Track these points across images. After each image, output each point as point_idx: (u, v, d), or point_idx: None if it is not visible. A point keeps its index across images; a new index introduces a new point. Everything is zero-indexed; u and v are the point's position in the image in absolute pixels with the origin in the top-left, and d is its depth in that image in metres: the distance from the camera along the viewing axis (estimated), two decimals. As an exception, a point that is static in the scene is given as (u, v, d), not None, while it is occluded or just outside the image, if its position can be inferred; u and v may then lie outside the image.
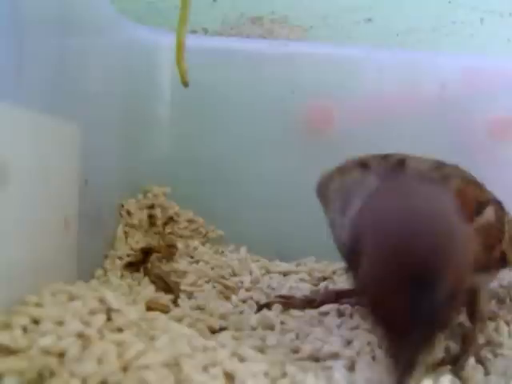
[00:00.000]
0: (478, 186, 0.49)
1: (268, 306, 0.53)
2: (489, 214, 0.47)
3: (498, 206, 0.50)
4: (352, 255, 0.36)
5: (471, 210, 0.45)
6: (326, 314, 0.52)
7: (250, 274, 0.62)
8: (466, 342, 0.48)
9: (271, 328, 0.50)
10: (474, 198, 0.46)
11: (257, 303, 0.54)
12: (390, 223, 0.35)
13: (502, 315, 0.54)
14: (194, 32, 0.76)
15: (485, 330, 0.51)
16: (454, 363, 0.46)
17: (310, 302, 0.54)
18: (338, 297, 0.54)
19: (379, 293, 0.34)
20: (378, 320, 0.36)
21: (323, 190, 0.48)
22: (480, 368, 0.46)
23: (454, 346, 0.48)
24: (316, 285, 0.61)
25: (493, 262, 0.47)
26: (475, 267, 0.43)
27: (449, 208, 0.38)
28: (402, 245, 0.34)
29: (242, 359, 0.40)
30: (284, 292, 0.57)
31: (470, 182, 0.48)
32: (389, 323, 0.35)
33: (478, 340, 0.49)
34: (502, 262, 0.48)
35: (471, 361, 0.46)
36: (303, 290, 0.58)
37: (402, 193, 0.39)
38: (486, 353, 0.48)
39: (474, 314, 0.49)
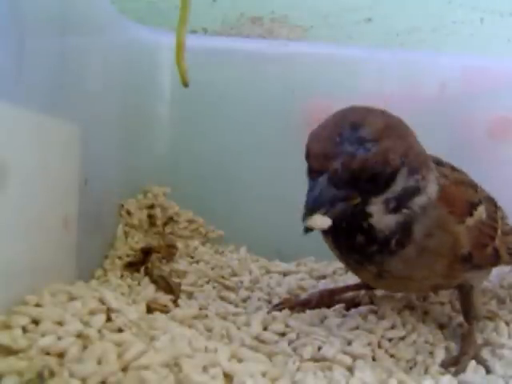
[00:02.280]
0: (470, 186, 0.50)
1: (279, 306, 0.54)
2: (480, 213, 0.48)
3: (491, 203, 0.51)
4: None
5: (462, 210, 0.46)
6: (326, 313, 0.52)
7: (250, 273, 0.62)
8: (465, 343, 0.48)
9: (271, 328, 0.50)
10: (465, 199, 0.47)
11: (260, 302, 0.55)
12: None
13: (502, 315, 0.54)
14: (193, 32, 0.75)
15: (483, 328, 0.52)
16: (455, 364, 0.46)
17: (306, 304, 0.54)
18: (332, 295, 0.55)
19: (316, 133, 0.42)
20: (307, 154, 0.42)
21: None
22: (480, 368, 0.46)
23: (454, 347, 0.49)
24: (315, 281, 0.61)
25: (486, 259, 0.48)
26: (469, 265, 0.44)
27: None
28: (342, 114, 0.42)
29: (241, 359, 0.40)
30: (283, 292, 0.58)
31: (461, 183, 0.49)
32: (315, 152, 0.41)
33: (477, 340, 0.49)
34: (495, 258, 0.49)
35: (472, 362, 0.46)
36: (303, 289, 0.58)
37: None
38: (486, 353, 0.48)
39: (468, 313, 0.50)
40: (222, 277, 0.60)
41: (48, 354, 0.32)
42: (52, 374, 0.31)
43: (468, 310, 0.50)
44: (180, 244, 0.63)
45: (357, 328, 0.49)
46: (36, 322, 0.35)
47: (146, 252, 0.57)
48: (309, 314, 0.52)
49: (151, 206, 0.66)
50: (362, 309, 0.52)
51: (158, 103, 0.70)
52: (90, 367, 0.32)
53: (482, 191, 0.52)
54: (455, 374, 0.45)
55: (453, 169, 0.50)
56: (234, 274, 0.61)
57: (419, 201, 0.43)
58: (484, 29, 0.81)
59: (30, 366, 0.31)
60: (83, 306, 0.37)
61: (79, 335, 0.34)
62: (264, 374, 0.39)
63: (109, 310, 0.38)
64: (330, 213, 0.40)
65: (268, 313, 0.52)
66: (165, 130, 0.71)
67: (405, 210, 0.42)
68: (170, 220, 0.67)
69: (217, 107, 0.70)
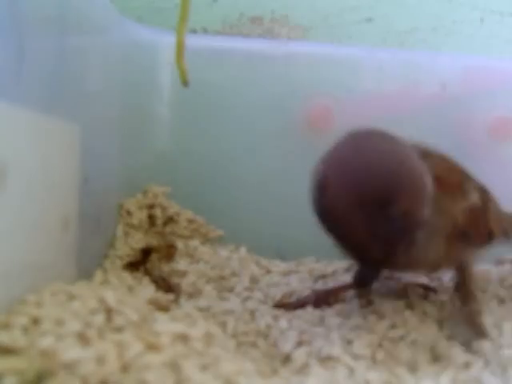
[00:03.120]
0: (461, 173, 0.51)
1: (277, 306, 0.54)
2: (474, 197, 0.50)
3: (482, 190, 0.53)
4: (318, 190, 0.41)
5: (456, 192, 0.48)
6: (326, 313, 0.52)
7: (250, 274, 0.62)
8: (470, 324, 0.50)
9: (271, 328, 0.50)
10: (458, 182, 0.49)
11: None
12: (350, 158, 0.40)
13: (502, 315, 0.54)
14: (193, 32, 0.75)
15: (480, 308, 0.52)
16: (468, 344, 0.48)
17: (302, 305, 0.54)
18: (328, 296, 0.55)
19: (343, 216, 0.39)
20: (342, 243, 0.41)
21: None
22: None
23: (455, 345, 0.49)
24: (315, 281, 0.61)
25: (480, 238, 0.51)
26: (465, 242, 0.46)
27: (405, 148, 0.43)
28: (361, 174, 0.39)
29: (241, 359, 0.40)
30: (283, 292, 0.57)
31: (452, 170, 0.50)
32: (352, 243, 0.40)
33: (478, 318, 0.51)
34: (490, 236, 0.52)
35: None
36: (303, 289, 0.58)
37: (363, 139, 0.43)
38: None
39: (465, 294, 0.52)
40: (222, 277, 0.60)
41: (48, 353, 0.32)
42: (52, 373, 0.31)
43: (464, 292, 0.52)
44: (180, 244, 0.63)
45: (357, 328, 0.49)
46: (36, 321, 0.35)
47: (146, 252, 0.57)
48: (309, 312, 0.52)
49: (151, 206, 0.65)
50: (362, 309, 0.52)
51: (157, 103, 0.70)
52: (89, 367, 0.32)
53: (474, 180, 0.53)
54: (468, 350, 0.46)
55: (443, 158, 0.51)
56: (234, 274, 0.61)
57: None
58: (484, 29, 0.81)
59: (29, 366, 0.31)
60: (83, 306, 0.37)
61: (79, 335, 0.34)
62: (264, 374, 0.39)
63: (109, 310, 0.38)
64: None
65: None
66: (165, 129, 0.70)
67: None
68: (170, 220, 0.66)
69: (217, 107, 0.70)
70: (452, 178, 0.48)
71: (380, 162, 0.40)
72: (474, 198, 0.50)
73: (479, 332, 0.50)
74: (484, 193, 0.53)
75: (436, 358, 0.49)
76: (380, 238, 0.38)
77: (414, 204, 0.39)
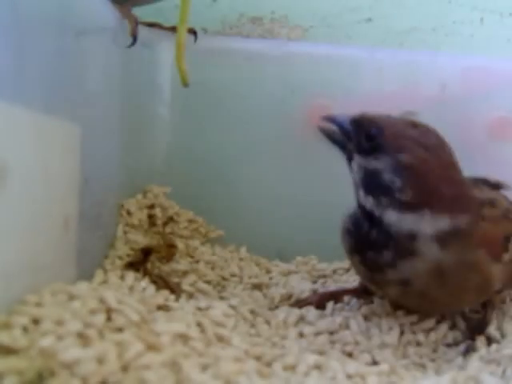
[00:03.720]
0: (506, 217, 0.49)
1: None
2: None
3: None
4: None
5: (500, 247, 0.46)
6: (326, 313, 0.52)
7: (250, 274, 0.62)
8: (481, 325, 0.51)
9: (271, 327, 0.50)
10: (502, 234, 0.47)
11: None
12: None
13: (502, 315, 0.54)
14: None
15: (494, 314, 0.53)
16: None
17: (304, 305, 0.54)
18: (331, 297, 0.55)
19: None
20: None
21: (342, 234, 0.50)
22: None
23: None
24: (315, 281, 0.61)
25: None
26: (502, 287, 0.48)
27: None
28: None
29: (241, 359, 0.40)
30: (283, 292, 0.57)
31: (498, 219, 0.48)
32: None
33: (490, 325, 0.51)
34: None
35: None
36: (303, 289, 0.58)
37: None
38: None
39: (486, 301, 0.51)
40: (222, 277, 0.60)
41: (48, 353, 0.32)
42: (52, 373, 0.31)
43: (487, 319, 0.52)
44: (180, 244, 0.63)
45: (358, 331, 0.49)
46: (36, 321, 0.35)
47: (146, 252, 0.57)
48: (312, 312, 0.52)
49: (151, 206, 0.65)
50: (364, 310, 0.52)
51: (157, 103, 0.70)
52: (90, 367, 0.32)
53: None
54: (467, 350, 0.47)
55: (491, 204, 0.49)
56: (234, 274, 0.61)
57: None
58: (484, 29, 0.81)
59: (29, 366, 0.31)
60: (83, 306, 0.37)
61: (79, 335, 0.34)
62: (264, 374, 0.39)
63: (109, 310, 0.38)
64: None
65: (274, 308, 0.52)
66: (165, 130, 0.70)
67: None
68: (170, 220, 0.66)
69: (217, 107, 0.70)
70: (495, 235, 0.47)
71: None
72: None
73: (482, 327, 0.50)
74: None
75: (436, 357, 0.49)
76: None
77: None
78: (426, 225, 0.43)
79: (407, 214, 0.43)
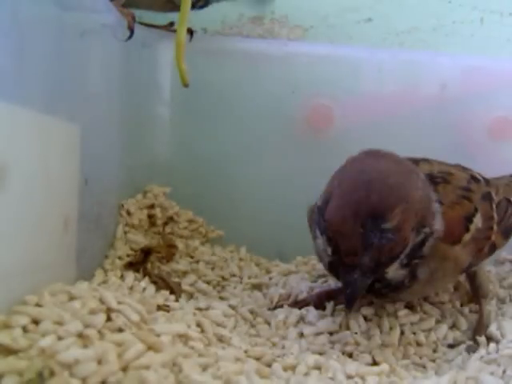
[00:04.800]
0: (464, 197, 0.50)
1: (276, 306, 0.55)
2: (476, 223, 0.50)
3: (486, 198, 0.53)
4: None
5: (460, 231, 0.48)
6: (326, 314, 0.52)
7: (250, 274, 0.62)
8: (477, 324, 0.52)
9: (271, 327, 0.50)
10: (461, 217, 0.49)
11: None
12: (350, 176, 0.45)
13: (502, 315, 0.54)
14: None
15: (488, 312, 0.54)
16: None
17: (303, 304, 0.54)
18: (329, 297, 0.55)
19: (339, 224, 0.43)
20: (336, 248, 0.43)
21: (310, 220, 0.52)
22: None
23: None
24: (315, 281, 0.61)
25: (484, 257, 0.52)
26: (470, 264, 0.49)
27: (403, 164, 0.47)
28: (359, 189, 0.43)
29: (241, 359, 0.40)
30: (283, 292, 0.57)
31: (456, 202, 0.50)
32: (344, 249, 0.43)
33: (486, 320, 0.52)
34: (493, 251, 0.52)
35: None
36: (303, 289, 0.58)
37: (364, 160, 0.46)
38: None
39: (476, 293, 0.54)
40: (222, 277, 0.60)
41: (48, 353, 0.32)
42: (52, 373, 0.31)
43: (476, 290, 0.54)
44: (180, 244, 0.63)
45: (358, 331, 0.49)
46: (36, 321, 0.35)
47: (146, 252, 0.57)
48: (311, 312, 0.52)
49: (151, 206, 0.65)
50: (364, 311, 0.52)
51: (157, 103, 0.70)
52: (90, 367, 0.32)
53: (478, 186, 0.53)
54: (468, 350, 0.48)
55: (445, 180, 0.50)
56: (234, 274, 0.61)
57: (427, 247, 0.46)
58: (484, 29, 0.81)
59: (29, 366, 0.31)
60: (83, 306, 0.37)
61: (79, 335, 0.34)
62: (264, 374, 0.39)
63: (109, 310, 0.38)
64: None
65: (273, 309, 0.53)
66: (165, 130, 0.70)
67: (415, 260, 0.46)
68: (170, 220, 0.66)
69: (217, 107, 0.70)
70: (456, 216, 0.48)
71: (378, 180, 0.44)
72: (477, 222, 0.50)
73: (481, 331, 0.51)
74: (488, 203, 0.52)
75: (436, 357, 0.49)
76: (372, 246, 0.42)
77: (403, 222, 0.43)
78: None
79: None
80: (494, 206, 0.53)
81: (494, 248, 0.52)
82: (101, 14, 0.54)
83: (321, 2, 0.81)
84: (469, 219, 0.49)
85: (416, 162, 0.51)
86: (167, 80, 0.69)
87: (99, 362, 0.33)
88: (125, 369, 0.33)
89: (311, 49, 0.72)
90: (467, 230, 0.48)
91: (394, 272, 0.45)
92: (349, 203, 0.43)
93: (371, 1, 0.81)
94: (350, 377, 0.41)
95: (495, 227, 0.52)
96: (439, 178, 0.50)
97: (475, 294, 0.54)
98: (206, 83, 0.68)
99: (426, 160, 0.53)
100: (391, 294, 0.48)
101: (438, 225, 0.46)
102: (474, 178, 0.53)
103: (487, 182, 0.55)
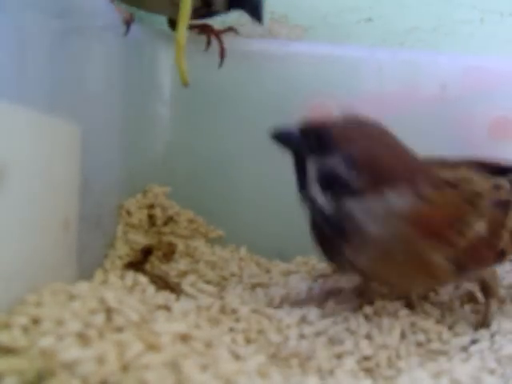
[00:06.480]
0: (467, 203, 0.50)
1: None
2: (477, 229, 0.49)
3: (498, 206, 0.51)
4: None
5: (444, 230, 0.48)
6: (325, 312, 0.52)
7: (250, 274, 0.62)
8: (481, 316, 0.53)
9: (271, 327, 0.50)
10: (448, 217, 0.49)
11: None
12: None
13: (502, 315, 0.54)
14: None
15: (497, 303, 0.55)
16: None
17: (304, 303, 0.54)
18: (330, 295, 0.55)
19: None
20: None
21: None
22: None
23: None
24: (315, 281, 0.61)
25: (486, 265, 0.52)
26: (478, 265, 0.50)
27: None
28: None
29: (241, 359, 0.40)
30: (284, 292, 0.57)
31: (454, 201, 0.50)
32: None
33: (490, 315, 0.53)
34: (499, 259, 0.52)
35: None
36: (303, 290, 0.58)
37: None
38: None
39: (485, 291, 0.54)
40: (222, 277, 0.60)
41: (48, 353, 0.32)
42: (52, 373, 0.31)
43: (484, 290, 0.54)
44: (180, 244, 0.63)
45: (358, 331, 0.49)
46: (36, 321, 0.35)
47: (146, 252, 0.57)
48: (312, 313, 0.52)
49: (151, 206, 0.65)
50: (365, 311, 0.52)
51: (158, 103, 0.70)
52: (90, 367, 0.32)
53: (491, 193, 0.52)
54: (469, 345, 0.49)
55: (453, 186, 0.50)
56: (234, 274, 0.61)
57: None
58: (484, 29, 0.81)
59: (30, 366, 0.31)
60: (83, 306, 0.37)
61: (79, 335, 0.34)
62: (264, 374, 0.39)
63: (109, 310, 0.38)
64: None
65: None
66: (165, 130, 0.70)
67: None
68: (170, 220, 0.66)
69: (217, 107, 0.70)
70: (443, 217, 0.48)
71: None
72: (479, 229, 0.49)
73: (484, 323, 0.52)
74: (499, 210, 0.51)
75: (436, 357, 0.49)
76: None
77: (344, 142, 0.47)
78: (375, 206, 0.46)
79: (361, 200, 0.46)
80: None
81: (502, 256, 0.51)
82: (101, 14, 0.54)
83: (321, 2, 0.81)
84: (464, 222, 0.49)
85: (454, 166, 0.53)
86: (167, 80, 0.69)
87: (99, 362, 0.33)
88: (125, 369, 0.33)
89: (311, 49, 0.72)
90: (462, 234, 0.48)
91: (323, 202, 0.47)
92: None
93: (371, 1, 0.81)
94: (350, 376, 0.41)
95: (506, 235, 0.51)
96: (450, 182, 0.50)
97: (484, 293, 0.54)
98: (206, 83, 0.68)
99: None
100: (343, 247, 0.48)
101: (402, 201, 0.46)
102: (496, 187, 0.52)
103: None
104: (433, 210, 0.47)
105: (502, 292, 0.59)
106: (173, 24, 0.69)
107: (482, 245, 0.49)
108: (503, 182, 0.53)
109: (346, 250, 0.47)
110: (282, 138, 0.51)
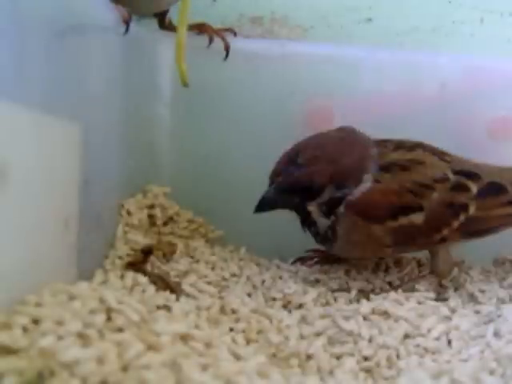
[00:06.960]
0: (410, 191, 0.56)
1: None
2: (412, 218, 0.56)
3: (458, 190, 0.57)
4: None
5: (379, 214, 0.56)
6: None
7: (250, 274, 0.62)
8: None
9: (271, 328, 0.50)
10: (387, 204, 0.56)
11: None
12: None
13: (501, 315, 0.54)
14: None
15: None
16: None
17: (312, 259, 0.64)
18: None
19: (279, 159, 0.59)
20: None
21: None
22: None
23: None
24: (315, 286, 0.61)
25: (430, 245, 0.59)
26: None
27: (354, 137, 0.58)
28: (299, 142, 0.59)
29: (241, 359, 0.40)
30: (284, 291, 0.57)
31: (395, 190, 0.56)
32: (273, 171, 0.58)
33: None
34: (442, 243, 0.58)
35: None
36: (303, 289, 0.58)
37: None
38: None
39: (433, 270, 0.60)
40: (222, 277, 0.60)
41: (48, 353, 0.32)
42: (52, 373, 0.31)
43: (432, 268, 0.60)
44: (180, 244, 0.63)
45: (358, 331, 0.49)
46: (36, 321, 0.35)
47: (146, 252, 0.57)
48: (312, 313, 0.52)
49: (151, 206, 0.65)
50: (364, 310, 0.52)
51: (157, 103, 0.70)
52: (89, 367, 0.32)
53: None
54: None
55: (403, 167, 0.57)
56: (234, 274, 0.61)
57: (341, 208, 0.56)
58: (484, 29, 0.81)
59: (30, 366, 0.31)
60: (83, 306, 0.37)
61: (79, 335, 0.34)
62: (264, 374, 0.39)
63: (109, 310, 0.38)
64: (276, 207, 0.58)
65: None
66: (165, 130, 0.70)
67: (332, 217, 0.57)
68: (170, 220, 0.66)
69: (217, 107, 0.70)
70: (381, 201, 0.56)
71: (317, 137, 0.59)
72: (415, 218, 0.55)
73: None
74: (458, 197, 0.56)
75: (436, 357, 0.49)
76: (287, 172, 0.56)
77: (313, 163, 0.56)
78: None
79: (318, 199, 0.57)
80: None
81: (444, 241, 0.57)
82: (101, 14, 0.54)
83: (321, 2, 0.81)
84: (403, 209, 0.56)
85: (411, 148, 0.59)
86: (167, 80, 0.69)
87: (99, 362, 0.33)
88: (125, 369, 0.33)
89: (311, 49, 0.72)
90: (394, 217, 0.55)
91: (317, 216, 0.57)
92: (291, 148, 0.58)
93: (371, 1, 0.81)
94: (350, 376, 0.41)
95: (458, 222, 0.56)
96: (401, 165, 0.57)
97: (431, 271, 0.59)
98: (206, 83, 0.68)
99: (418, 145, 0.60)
100: (326, 245, 0.59)
101: (356, 194, 0.56)
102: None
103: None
104: (374, 194, 0.56)
105: (502, 292, 0.59)
106: (161, 23, 0.70)
107: (416, 232, 0.56)
108: (472, 185, 0.58)
109: (322, 243, 0.60)
110: (265, 209, 0.58)
